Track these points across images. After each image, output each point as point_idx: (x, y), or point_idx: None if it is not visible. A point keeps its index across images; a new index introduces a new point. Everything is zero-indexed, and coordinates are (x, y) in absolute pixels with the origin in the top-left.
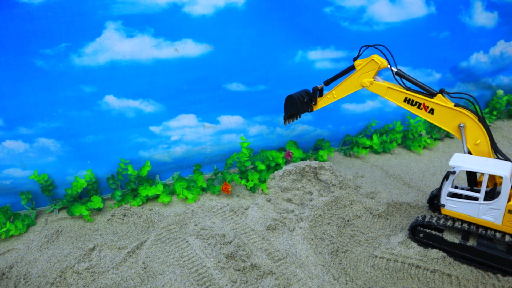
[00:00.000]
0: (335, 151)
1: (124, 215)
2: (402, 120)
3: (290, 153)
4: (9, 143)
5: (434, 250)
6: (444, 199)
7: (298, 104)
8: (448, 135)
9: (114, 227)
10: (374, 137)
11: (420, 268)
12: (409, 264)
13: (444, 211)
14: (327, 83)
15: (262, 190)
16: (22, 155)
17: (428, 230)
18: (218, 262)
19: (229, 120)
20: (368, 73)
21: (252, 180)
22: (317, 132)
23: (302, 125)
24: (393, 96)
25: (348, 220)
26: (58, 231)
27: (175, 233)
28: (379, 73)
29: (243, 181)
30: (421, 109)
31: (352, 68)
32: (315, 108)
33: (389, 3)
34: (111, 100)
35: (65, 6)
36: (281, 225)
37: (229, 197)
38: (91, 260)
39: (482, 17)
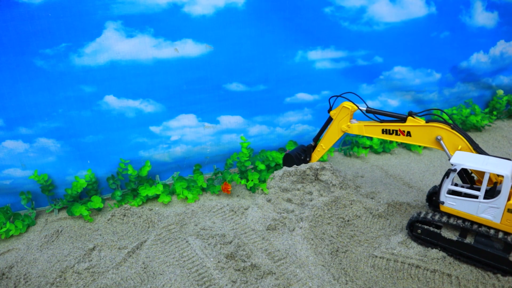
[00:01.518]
0: (335, 151)
1: (124, 215)
2: None
3: None
4: (9, 143)
5: (434, 250)
6: (443, 196)
7: (296, 161)
8: None
9: (114, 227)
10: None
11: (420, 268)
12: (409, 264)
13: (443, 208)
14: (315, 140)
15: (262, 190)
16: (22, 155)
17: (426, 226)
18: (218, 262)
19: (229, 120)
20: (344, 119)
21: (252, 180)
22: (317, 132)
23: (302, 125)
24: (371, 131)
25: (348, 220)
26: (58, 231)
27: (175, 233)
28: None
29: (243, 181)
30: (399, 135)
31: (330, 119)
32: (312, 161)
33: (389, 3)
34: (111, 100)
35: (65, 6)
36: (281, 225)
37: (229, 197)
38: (91, 260)
39: (482, 17)
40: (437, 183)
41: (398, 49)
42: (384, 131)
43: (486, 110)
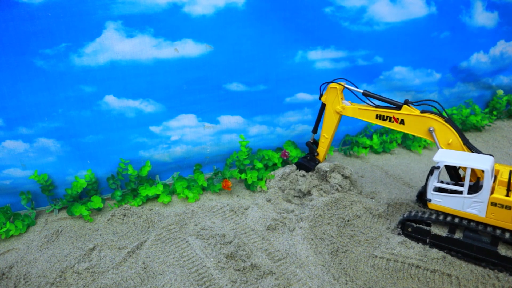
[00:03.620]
0: (334, 150)
1: (124, 215)
2: None
3: (286, 153)
4: (9, 143)
5: (434, 250)
6: (430, 193)
7: (306, 165)
8: None
9: (114, 227)
10: (374, 137)
11: (420, 268)
12: (409, 264)
13: (430, 205)
14: (314, 131)
15: (260, 187)
16: (22, 155)
17: (417, 224)
18: (218, 262)
19: (229, 120)
20: (335, 100)
21: (251, 177)
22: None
23: (302, 125)
24: (365, 115)
25: (348, 220)
26: (58, 231)
27: (175, 233)
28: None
29: (242, 175)
30: (392, 122)
31: (323, 106)
32: (321, 157)
33: (389, 3)
34: (111, 100)
35: (65, 6)
36: (281, 225)
37: (229, 197)
38: (91, 260)
39: (483, 17)
40: None
41: (398, 49)
42: (378, 117)
43: (486, 110)
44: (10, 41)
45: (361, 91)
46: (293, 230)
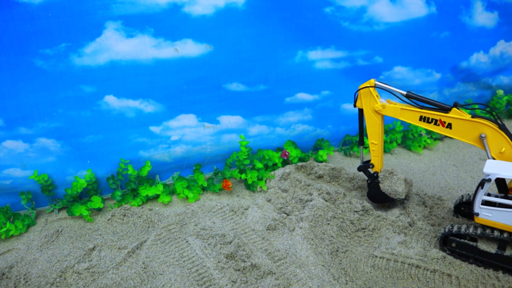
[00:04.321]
0: (334, 150)
1: (124, 215)
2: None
3: (287, 153)
4: (9, 143)
5: (434, 250)
6: (478, 207)
7: (375, 191)
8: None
9: (114, 227)
10: None
11: (420, 268)
12: (409, 264)
13: (478, 220)
14: (360, 143)
15: (260, 187)
16: (22, 155)
17: (461, 240)
18: (218, 262)
19: (229, 120)
20: (371, 100)
21: (251, 177)
22: (317, 132)
23: (302, 125)
24: (408, 116)
25: (348, 220)
26: (58, 231)
27: (175, 233)
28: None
29: (242, 175)
30: (438, 125)
31: (360, 113)
32: (378, 168)
33: (389, 3)
34: (111, 100)
35: (65, 6)
36: (281, 225)
37: (229, 197)
38: (91, 260)
39: (482, 17)
40: (437, 183)
41: (398, 49)
42: (423, 119)
43: (486, 110)
44: (10, 41)
45: (404, 92)
46: (293, 230)
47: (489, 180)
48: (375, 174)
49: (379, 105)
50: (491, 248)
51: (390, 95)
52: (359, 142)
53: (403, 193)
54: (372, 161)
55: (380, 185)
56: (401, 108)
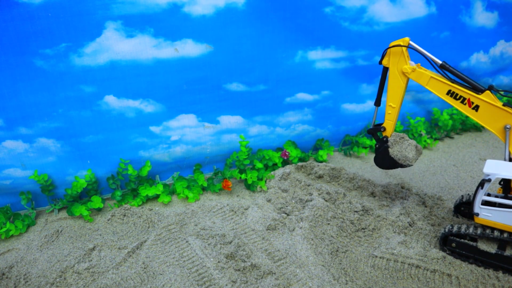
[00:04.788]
0: (334, 150)
1: (124, 215)
2: (402, 120)
3: (287, 153)
4: (9, 143)
5: (434, 250)
6: (478, 207)
7: (383, 157)
8: (448, 135)
9: (114, 227)
10: None
11: (420, 268)
12: (409, 264)
13: (478, 220)
14: (376, 103)
15: (260, 187)
16: (22, 155)
17: (461, 240)
18: (218, 262)
19: (229, 120)
20: (401, 60)
21: (251, 177)
22: (317, 132)
23: (302, 125)
24: (436, 87)
25: (348, 220)
26: (58, 231)
27: (175, 233)
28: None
29: (243, 175)
30: (465, 104)
31: (385, 70)
32: (389, 132)
33: (389, 3)
34: (111, 100)
35: (65, 6)
36: (281, 225)
37: (229, 197)
38: (91, 260)
39: (482, 17)
40: (437, 183)
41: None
42: (450, 93)
43: None
44: (10, 41)
45: (439, 61)
46: (293, 230)
47: (489, 180)
48: (385, 139)
49: (408, 67)
50: (491, 248)
51: (421, 60)
52: (375, 102)
53: (413, 160)
54: (384, 125)
55: (390, 150)
56: (431, 77)
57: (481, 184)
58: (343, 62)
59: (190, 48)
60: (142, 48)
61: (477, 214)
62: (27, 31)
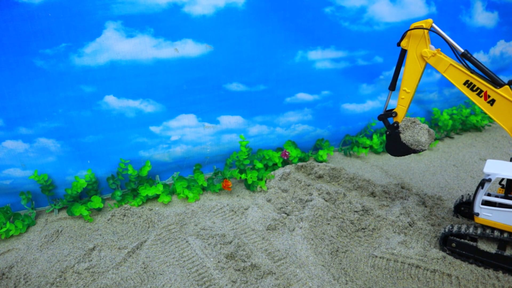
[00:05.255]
0: (335, 150)
1: (124, 215)
2: None
3: (287, 153)
4: (9, 143)
5: (434, 250)
6: (478, 207)
7: (395, 143)
8: (448, 135)
9: (114, 227)
10: (374, 137)
11: (420, 268)
12: (409, 264)
13: (478, 220)
14: (391, 87)
15: (260, 187)
16: (22, 155)
17: (461, 240)
18: (218, 262)
19: (229, 120)
20: (421, 43)
21: (251, 177)
22: (317, 132)
23: (302, 125)
24: (454, 75)
25: (348, 220)
26: (58, 231)
27: (175, 233)
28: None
29: (243, 175)
30: (481, 97)
31: (403, 53)
32: (400, 117)
33: (389, 3)
34: (111, 100)
35: (65, 6)
36: (281, 225)
37: (229, 197)
38: (91, 260)
39: (482, 17)
40: (437, 183)
41: (398, 49)
42: (467, 84)
43: None
44: (10, 41)
45: (461, 49)
46: (293, 230)
47: (489, 180)
48: (395, 124)
49: (428, 51)
50: (491, 248)
51: (441, 46)
52: (389, 86)
53: (426, 144)
54: (396, 110)
55: (401, 135)
56: (451, 64)
57: (481, 184)
58: (343, 62)
59: (190, 48)
60: (142, 48)
61: (477, 214)
62: (27, 31)
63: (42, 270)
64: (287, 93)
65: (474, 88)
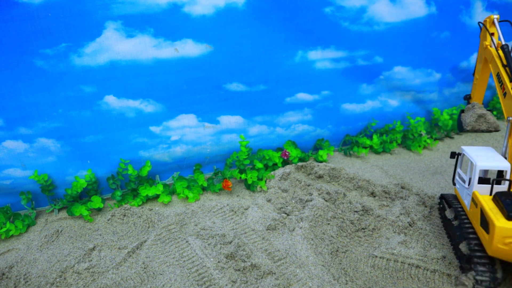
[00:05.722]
0: (334, 150)
1: (124, 215)
2: (402, 120)
3: (287, 153)
4: (9, 143)
5: (434, 250)
6: (455, 179)
7: (458, 119)
8: (448, 135)
9: (114, 227)
10: (374, 137)
11: (420, 268)
12: (409, 264)
13: (455, 190)
14: (467, 97)
15: (260, 187)
16: (22, 155)
17: (445, 204)
18: (218, 262)
19: (229, 120)
20: (485, 34)
21: (251, 177)
22: (317, 132)
23: (302, 125)
24: (493, 67)
25: (348, 220)
26: (58, 231)
27: (175, 233)
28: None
29: (243, 175)
30: (501, 88)
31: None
32: (471, 101)
33: (389, 3)
34: (111, 100)
35: (65, 6)
36: (281, 225)
37: (229, 197)
38: (91, 260)
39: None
40: (437, 183)
41: (398, 49)
42: (498, 76)
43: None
44: (10, 41)
45: (503, 42)
46: (293, 230)
47: (460, 153)
48: (467, 103)
49: (487, 43)
50: (451, 216)
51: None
52: (473, 72)
53: (468, 125)
54: (471, 94)
55: (462, 114)
56: (494, 55)
57: (456, 157)
58: (343, 62)
59: (190, 48)
60: (142, 48)
61: (454, 184)
62: (27, 31)
63: (42, 270)
64: (287, 93)
65: (500, 80)
